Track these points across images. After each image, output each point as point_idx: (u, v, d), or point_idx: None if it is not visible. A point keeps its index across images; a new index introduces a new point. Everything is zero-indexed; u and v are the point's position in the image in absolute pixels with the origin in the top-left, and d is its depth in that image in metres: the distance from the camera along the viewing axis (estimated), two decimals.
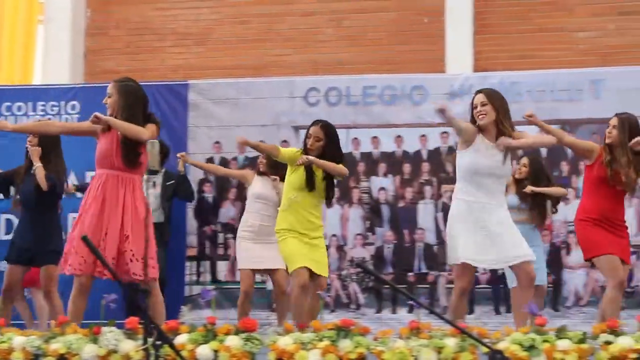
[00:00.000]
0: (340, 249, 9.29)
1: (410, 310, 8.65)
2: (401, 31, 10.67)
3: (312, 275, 7.22)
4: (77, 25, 11.43)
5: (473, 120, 6.57)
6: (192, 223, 9.48)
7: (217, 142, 9.51)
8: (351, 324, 6.03)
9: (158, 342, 4.75)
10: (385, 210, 9.35)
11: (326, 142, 7.35)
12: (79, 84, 10.53)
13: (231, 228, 9.37)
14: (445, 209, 9.10)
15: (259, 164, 8.66)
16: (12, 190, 8.21)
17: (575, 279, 9.02)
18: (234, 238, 8.96)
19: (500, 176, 6.54)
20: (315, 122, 7.48)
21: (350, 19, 10.78)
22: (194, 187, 9.28)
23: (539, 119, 6.77)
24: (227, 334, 6.01)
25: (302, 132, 9.36)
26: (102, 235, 6.37)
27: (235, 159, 9.50)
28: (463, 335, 5.66)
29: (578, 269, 8.97)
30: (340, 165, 7.35)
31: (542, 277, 8.08)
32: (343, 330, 5.97)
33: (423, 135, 9.27)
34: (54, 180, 7.67)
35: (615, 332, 5.83)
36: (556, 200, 8.41)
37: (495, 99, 6.53)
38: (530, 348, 5.74)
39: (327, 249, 8.97)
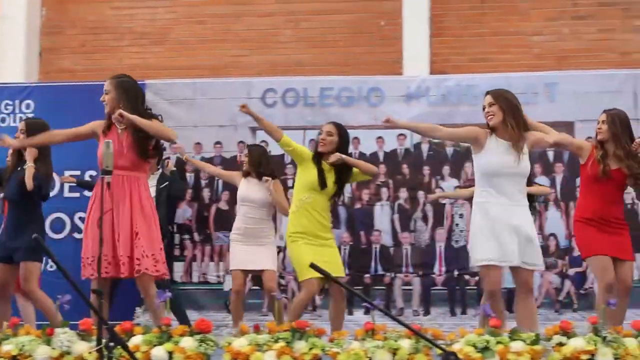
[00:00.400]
0: None
1: (366, 312, 8.67)
2: (359, 33, 10.69)
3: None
4: (33, 24, 11.31)
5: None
6: None
7: (174, 142, 9.46)
8: (306, 326, 6.04)
9: (111, 344, 4.72)
10: (341, 212, 9.36)
11: (339, 141, 7.47)
12: (33, 83, 10.41)
13: (187, 229, 9.35)
14: (401, 211, 9.18)
15: (243, 163, 8.67)
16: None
17: None
18: (190, 239, 8.94)
19: (515, 175, 6.40)
20: (328, 122, 7.67)
21: (308, 21, 10.77)
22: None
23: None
24: (181, 335, 5.99)
25: (259, 133, 9.42)
26: (116, 237, 6.48)
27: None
28: (417, 337, 5.69)
29: None
30: (371, 165, 7.64)
31: None
32: (298, 332, 5.98)
33: (380, 137, 9.29)
34: (40, 181, 7.55)
35: (568, 333, 5.89)
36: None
37: (501, 99, 6.46)
38: (484, 349, 5.79)
39: (283, 250, 9.05)
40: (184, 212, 9.45)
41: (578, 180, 7.72)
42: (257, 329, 6.14)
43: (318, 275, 7.01)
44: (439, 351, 5.32)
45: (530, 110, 9.04)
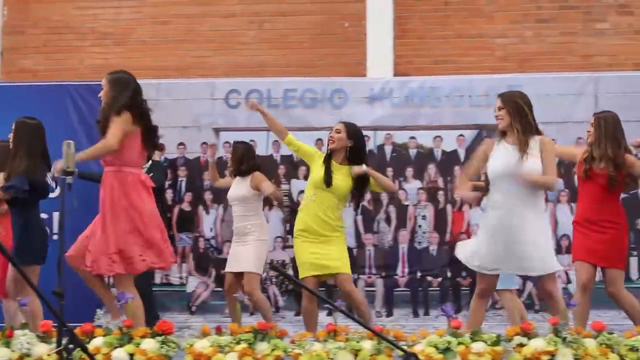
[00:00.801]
0: None
1: (329, 313, 8.68)
2: (322, 35, 10.68)
3: (334, 275, 7.42)
4: None
5: None
6: None
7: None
8: (269, 327, 6.04)
9: (70, 346, 4.69)
10: None
11: (350, 140, 7.51)
12: None
13: None
14: (364, 212, 9.20)
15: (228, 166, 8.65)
16: None
17: None
18: None
19: (518, 176, 6.30)
20: (339, 121, 7.75)
21: (272, 22, 10.75)
22: None
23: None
24: (143, 337, 5.96)
25: (223, 134, 9.42)
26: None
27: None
28: (379, 338, 5.70)
29: None
30: (391, 182, 7.74)
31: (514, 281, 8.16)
32: (260, 333, 5.98)
33: None
34: (15, 190, 7.35)
35: (528, 334, 5.93)
36: None
37: (508, 102, 6.46)
38: (446, 350, 5.82)
39: None
40: None
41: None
42: (219, 331, 6.13)
43: (314, 273, 7.32)
44: (401, 352, 5.34)
45: (492, 113, 9.14)
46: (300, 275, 7.40)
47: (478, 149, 6.76)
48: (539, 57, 10.34)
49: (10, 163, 7.43)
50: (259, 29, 10.77)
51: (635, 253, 8.94)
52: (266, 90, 9.46)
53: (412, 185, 9.32)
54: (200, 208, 9.46)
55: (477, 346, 5.85)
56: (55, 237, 8.83)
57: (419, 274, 9.23)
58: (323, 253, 7.37)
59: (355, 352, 5.82)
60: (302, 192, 9.28)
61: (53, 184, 8.04)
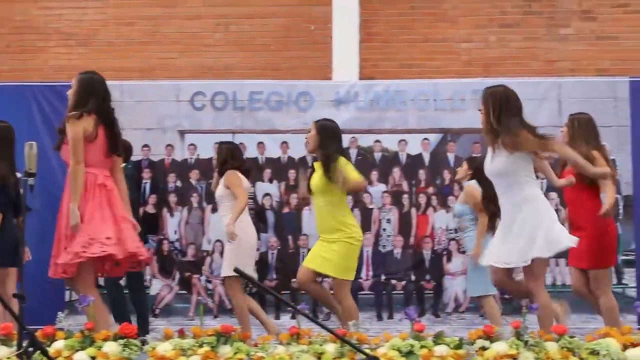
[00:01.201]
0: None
1: (293, 317, 8.68)
2: (288, 37, 10.69)
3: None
4: None
5: None
6: None
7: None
8: (232, 330, 6.03)
9: (30, 349, 4.66)
10: (269, 216, 9.36)
11: (318, 136, 7.51)
12: None
13: None
14: None
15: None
16: None
17: (455, 286, 9.19)
18: None
19: (501, 174, 6.34)
20: None
21: (238, 24, 10.74)
22: None
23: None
24: (105, 340, 5.93)
25: (188, 136, 9.38)
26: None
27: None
28: (342, 342, 5.70)
29: (458, 276, 9.14)
30: (358, 182, 7.60)
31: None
32: (223, 336, 5.96)
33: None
34: None
35: (491, 337, 5.96)
36: None
37: (487, 100, 6.45)
38: (409, 354, 5.84)
39: (210, 255, 9.01)
40: None
41: None
42: (181, 334, 6.11)
43: (305, 263, 7.60)
44: (364, 355, 5.34)
45: (457, 117, 9.23)
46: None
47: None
48: (503, 62, 10.42)
49: None
50: (225, 31, 10.77)
51: None
52: (232, 93, 9.44)
53: (377, 189, 9.34)
54: (165, 210, 9.41)
55: (440, 349, 5.88)
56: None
57: (383, 277, 9.25)
58: (319, 249, 7.54)
59: (319, 355, 5.82)
60: (267, 194, 9.37)
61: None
